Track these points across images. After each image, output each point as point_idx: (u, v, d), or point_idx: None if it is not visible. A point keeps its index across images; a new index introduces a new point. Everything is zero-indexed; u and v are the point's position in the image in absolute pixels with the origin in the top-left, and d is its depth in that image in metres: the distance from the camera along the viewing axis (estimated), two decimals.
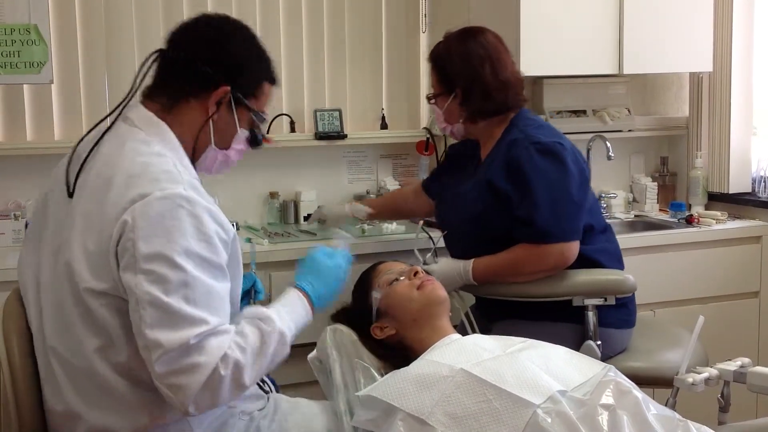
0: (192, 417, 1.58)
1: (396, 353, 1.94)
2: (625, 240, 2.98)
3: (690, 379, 1.86)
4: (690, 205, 3.44)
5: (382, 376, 1.83)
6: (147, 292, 1.42)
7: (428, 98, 2.41)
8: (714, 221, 3.20)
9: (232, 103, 1.67)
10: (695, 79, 3.47)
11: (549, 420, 1.59)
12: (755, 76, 3.36)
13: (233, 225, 1.92)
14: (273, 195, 3.12)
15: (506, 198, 2.19)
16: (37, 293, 1.63)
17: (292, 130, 3.18)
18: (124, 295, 1.48)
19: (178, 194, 1.48)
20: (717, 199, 3.42)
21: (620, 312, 2.27)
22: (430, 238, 2.40)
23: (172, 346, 1.42)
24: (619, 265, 2.35)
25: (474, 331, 2.19)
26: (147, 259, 1.43)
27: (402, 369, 1.78)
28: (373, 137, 3.26)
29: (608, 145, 3.18)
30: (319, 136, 3.13)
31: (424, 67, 3.21)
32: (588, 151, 3.35)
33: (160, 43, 1.73)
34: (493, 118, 2.29)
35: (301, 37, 3.20)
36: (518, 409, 1.61)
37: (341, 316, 2.10)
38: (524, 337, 1.90)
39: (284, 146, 3.14)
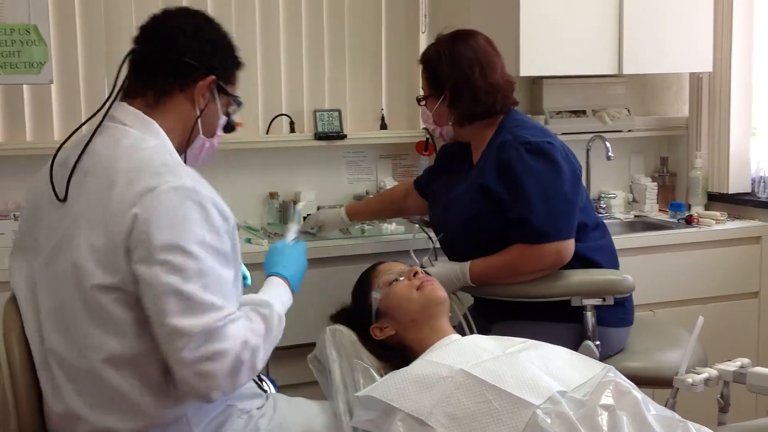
0: (192, 415, 1.60)
1: (395, 354, 1.95)
2: (624, 240, 2.99)
3: (689, 380, 1.87)
4: (689, 206, 3.44)
5: (381, 376, 1.84)
6: (166, 282, 1.45)
7: (418, 100, 2.41)
8: (713, 221, 3.20)
9: (215, 91, 1.71)
10: (695, 79, 3.47)
11: (549, 420, 1.59)
12: (755, 76, 3.36)
13: None
14: (272, 195, 3.12)
15: (499, 200, 2.19)
16: (32, 298, 1.63)
17: (292, 130, 3.18)
18: (133, 288, 1.49)
19: (183, 186, 1.51)
20: (716, 200, 3.42)
21: (618, 311, 2.27)
22: (430, 238, 2.40)
23: (197, 333, 1.44)
24: (614, 261, 2.35)
25: (472, 333, 2.19)
26: (162, 249, 1.45)
27: (401, 369, 1.78)
28: (373, 137, 3.26)
29: (608, 145, 3.18)
30: (319, 136, 3.13)
31: None
32: (588, 151, 3.35)
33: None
34: (483, 120, 2.29)
35: (301, 37, 3.20)
36: (518, 409, 1.61)
37: (341, 316, 2.10)
38: (523, 337, 1.90)
39: (284, 146, 3.14)
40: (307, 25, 3.21)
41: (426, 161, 3.30)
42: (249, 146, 3.05)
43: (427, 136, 3.23)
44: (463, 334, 2.08)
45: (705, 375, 1.89)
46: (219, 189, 1.62)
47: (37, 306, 1.62)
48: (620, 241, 2.87)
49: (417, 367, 1.78)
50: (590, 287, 2.20)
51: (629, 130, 3.43)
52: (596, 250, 2.28)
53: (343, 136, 3.16)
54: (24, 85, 2.85)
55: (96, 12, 2.93)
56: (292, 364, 2.41)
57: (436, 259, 2.37)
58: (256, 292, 1.73)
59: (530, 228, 2.15)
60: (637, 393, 1.70)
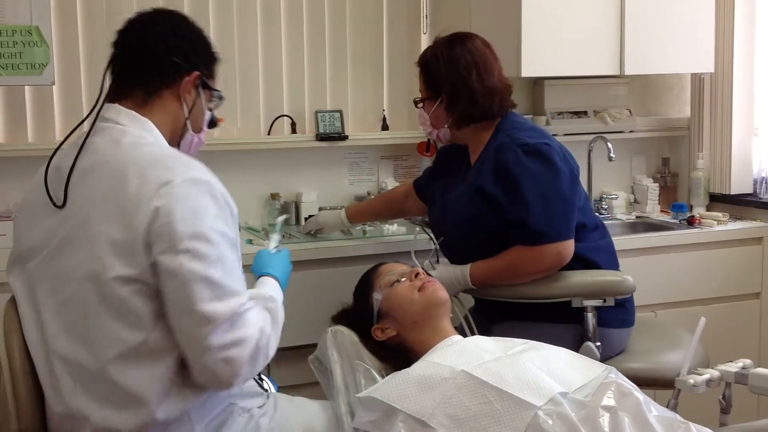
0: (194, 413, 1.61)
1: (397, 355, 1.95)
2: (626, 241, 2.99)
3: (691, 381, 1.86)
4: (691, 206, 3.43)
5: (383, 377, 1.84)
6: (192, 269, 1.49)
7: (415, 102, 2.41)
8: (715, 222, 3.20)
9: (199, 87, 1.76)
10: (697, 80, 3.47)
11: (550, 422, 1.59)
12: (757, 77, 3.35)
13: None
14: (274, 196, 3.12)
15: (497, 202, 2.18)
16: (32, 301, 1.64)
17: (293, 131, 3.18)
18: (152, 280, 1.52)
19: (197, 178, 1.56)
20: (718, 200, 3.42)
21: (618, 311, 2.27)
22: (432, 238, 2.40)
23: (224, 317, 1.50)
24: (615, 262, 2.35)
25: (473, 334, 2.19)
26: (186, 239, 1.50)
27: (403, 370, 1.78)
28: (374, 138, 3.25)
29: (609, 146, 3.18)
30: (320, 137, 3.13)
31: None
32: (589, 152, 3.35)
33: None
34: (480, 123, 2.29)
35: (302, 37, 3.20)
36: (519, 410, 1.61)
37: (342, 317, 2.10)
38: (524, 338, 1.90)
39: (285, 147, 3.14)
40: (308, 26, 3.21)
41: (428, 162, 3.29)
42: (250, 147, 3.05)
43: (429, 137, 3.23)
44: (464, 335, 2.08)
45: (707, 376, 1.89)
46: None
47: (38, 307, 1.62)
48: (622, 242, 2.87)
49: (418, 368, 1.78)
50: (591, 288, 2.20)
51: (631, 131, 3.43)
52: (596, 251, 2.28)
53: (345, 137, 3.16)
54: (26, 86, 2.85)
55: (98, 13, 2.94)
56: (294, 365, 2.41)
57: (437, 261, 2.37)
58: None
59: (529, 229, 2.15)
60: (638, 394, 1.70)
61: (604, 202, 3.42)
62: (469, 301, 2.39)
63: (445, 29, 2.39)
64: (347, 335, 1.98)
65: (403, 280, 2.01)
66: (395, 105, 3.34)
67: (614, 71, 3.16)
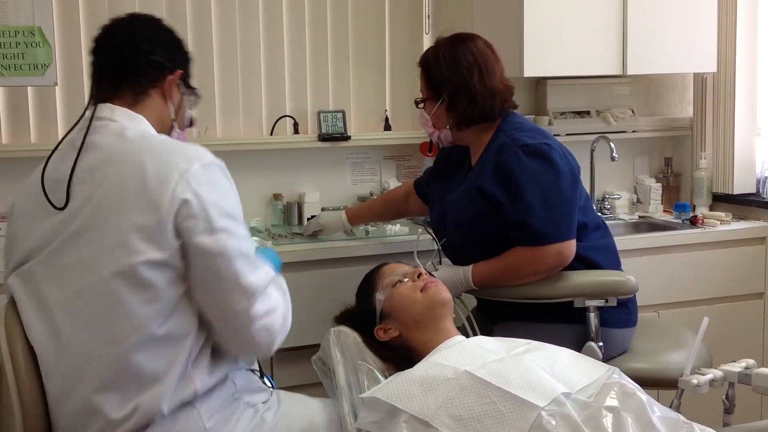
0: (201, 407, 1.63)
1: (400, 355, 1.94)
2: (629, 241, 2.99)
3: (694, 381, 1.86)
4: (694, 206, 3.43)
5: (385, 378, 1.84)
6: (233, 246, 1.58)
7: (416, 102, 2.41)
8: (718, 222, 3.19)
9: (181, 85, 1.84)
10: (699, 79, 3.46)
11: (553, 422, 1.59)
12: (759, 76, 3.35)
13: None
14: (276, 196, 3.12)
15: (497, 203, 2.18)
16: (37, 299, 1.64)
17: (296, 131, 3.18)
18: (180, 264, 1.58)
19: (214, 161, 1.65)
20: (721, 200, 3.41)
21: (621, 311, 2.27)
22: (434, 239, 2.40)
23: (263, 288, 1.62)
24: (616, 261, 2.35)
25: (476, 335, 2.18)
26: (220, 218, 1.58)
27: (406, 371, 1.78)
28: (377, 138, 3.25)
29: (612, 146, 3.18)
30: (323, 137, 3.13)
31: None
32: (592, 152, 3.35)
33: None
34: (480, 124, 2.29)
35: (305, 38, 3.21)
36: (522, 411, 1.61)
37: (345, 317, 2.10)
38: (526, 338, 1.90)
39: (288, 148, 3.14)
40: (310, 27, 3.21)
41: (430, 162, 3.29)
42: (253, 147, 3.05)
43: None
44: (466, 335, 2.07)
45: (710, 376, 1.88)
46: None
47: (45, 305, 1.63)
48: (624, 241, 2.87)
49: (421, 368, 1.77)
50: (593, 288, 2.20)
51: (633, 131, 3.43)
52: (597, 250, 2.28)
53: (347, 137, 3.16)
54: (28, 87, 2.85)
55: (100, 14, 2.94)
56: (296, 366, 2.41)
57: (440, 262, 2.37)
58: None
59: (530, 230, 2.14)
60: (641, 394, 1.69)
61: (606, 202, 3.42)
62: (472, 301, 2.39)
63: (448, 30, 2.39)
64: (350, 335, 1.98)
65: (405, 280, 2.01)
66: (398, 105, 3.34)
67: (617, 71, 3.16)
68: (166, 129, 1.81)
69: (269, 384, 1.91)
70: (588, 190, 3.02)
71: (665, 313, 3.01)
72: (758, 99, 3.36)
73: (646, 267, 2.91)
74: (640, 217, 3.42)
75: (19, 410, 1.62)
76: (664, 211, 3.47)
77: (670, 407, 1.83)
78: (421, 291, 1.97)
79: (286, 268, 2.59)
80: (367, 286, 2.09)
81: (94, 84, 1.78)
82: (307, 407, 1.86)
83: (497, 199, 2.18)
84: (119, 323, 1.57)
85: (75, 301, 1.60)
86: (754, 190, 3.40)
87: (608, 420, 1.61)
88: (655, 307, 2.99)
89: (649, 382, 2.14)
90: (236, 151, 2.99)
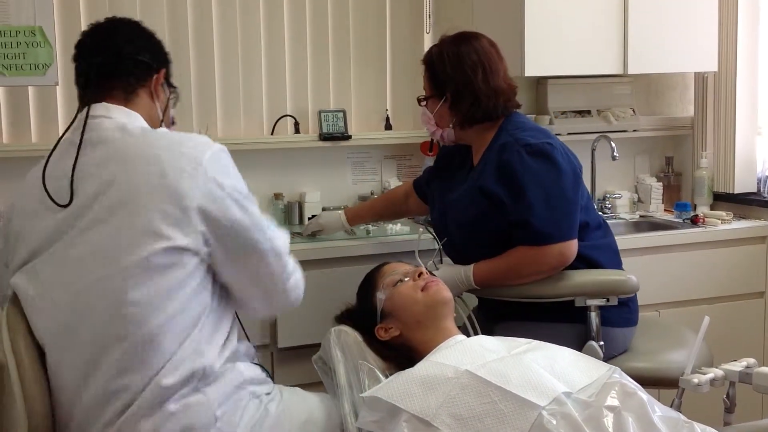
0: (213, 395, 1.66)
1: (400, 354, 1.94)
2: (629, 240, 2.99)
3: (695, 380, 1.86)
4: (695, 206, 3.43)
5: (386, 377, 1.84)
6: (259, 218, 1.75)
7: (419, 100, 2.41)
8: (719, 221, 3.19)
9: (164, 85, 1.91)
10: (700, 79, 3.46)
11: (554, 422, 1.59)
12: (760, 75, 3.35)
13: None
14: (277, 196, 3.12)
15: (500, 202, 2.18)
16: (50, 295, 1.66)
17: (297, 131, 3.18)
18: (205, 247, 1.67)
19: (220, 147, 1.75)
20: (722, 199, 3.41)
21: (622, 310, 2.27)
22: (435, 238, 2.40)
23: (288, 248, 1.83)
24: (617, 260, 2.34)
25: (477, 334, 2.18)
26: (243, 197, 1.73)
27: (407, 370, 1.78)
28: (378, 138, 3.25)
29: (613, 145, 3.18)
30: (324, 137, 3.13)
31: None
32: (593, 151, 3.35)
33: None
34: (483, 123, 2.29)
35: (306, 37, 3.20)
36: (523, 410, 1.61)
37: (345, 317, 2.10)
38: (527, 337, 1.90)
39: (288, 147, 3.14)
40: (311, 26, 3.21)
41: (431, 161, 3.29)
42: (253, 147, 3.05)
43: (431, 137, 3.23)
44: (467, 335, 2.07)
45: (711, 375, 1.88)
46: None
47: (60, 297, 1.65)
48: (625, 241, 2.87)
49: (422, 368, 1.77)
50: (594, 288, 2.20)
51: (634, 130, 3.43)
52: (598, 249, 2.28)
53: (348, 137, 3.16)
54: (29, 87, 2.85)
55: (101, 14, 2.89)
56: (297, 365, 2.41)
57: (440, 261, 2.37)
58: None
59: (532, 230, 2.14)
60: (642, 394, 1.69)
61: (607, 202, 3.42)
62: (473, 300, 2.39)
63: (451, 29, 2.38)
64: (351, 335, 1.98)
65: (406, 279, 2.01)
66: (398, 105, 3.34)
67: (617, 70, 3.16)
68: (155, 127, 1.85)
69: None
70: (589, 189, 3.01)
71: (666, 313, 3.01)
72: (759, 98, 3.36)
73: (647, 266, 2.91)
74: (641, 216, 3.42)
75: (23, 408, 1.62)
76: (665, 210, 3.47)
77: (671, 406, 1.83)
78: (422, 290, 1.97)
79: None
80: (368, 285, 2.09)
81: (82, 87, 1.83)
82: (306, 401, 1.89)
83: (499, 198, 2.18)
84: (136, 311, 1.60)
85: (88, 293, 1.63)
86: (754, 190, 3.40)
87: (609, 419, 1.61)
88: (656, 307, 2.99)
89: (649, 381, 2.14)
90: (237, 151, 2.95)
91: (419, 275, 2.02)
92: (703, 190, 3.42)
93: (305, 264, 2.61)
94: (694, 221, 3.20)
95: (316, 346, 2.06)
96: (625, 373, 1.80)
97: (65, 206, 1.67)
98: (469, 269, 2.24)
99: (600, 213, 2.94)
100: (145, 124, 1.80)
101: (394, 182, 3.25)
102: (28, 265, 1.70)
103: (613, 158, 3.18)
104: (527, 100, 3.33)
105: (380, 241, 2.77)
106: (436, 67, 2.31)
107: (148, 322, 1.61)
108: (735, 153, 3.35)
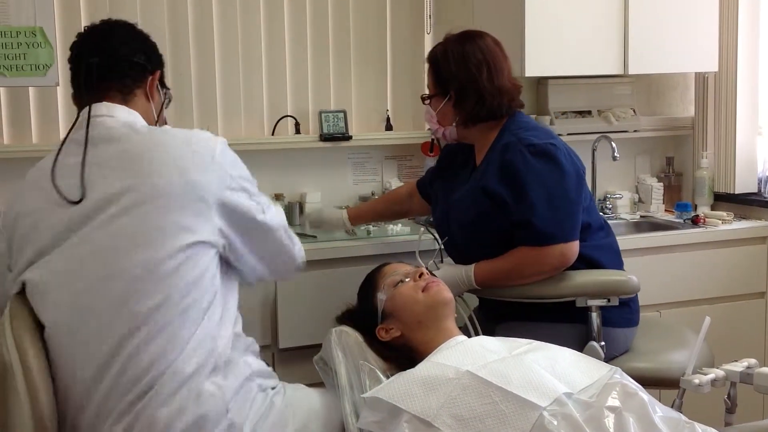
0: (224, 385, 1.69)
1: (401, 355, 1.94)
2: (630, 240, 2.99)
3: (696, 380, 1.86)
4: (696, 206, 3.43)
5: (387, 377, 1.84)
6: (267, 203, 1.88)
7: (423, 98, 2.40)
8: (720, 221, 3.19)
9: (158, 86, 1.96)
10: (701, 79, 3.46)
11: (555, 422, 1.59)
12: (761, 75, 3.35)
13: None
14: (278, 196, 3.12)
15: (502, 202, 2.18)
16: (70, 287, 1.68)
17: (297, 131, 3.19)
18: (219, 242, 1.75)
19: (223, 140, 1.83)
20: (723, 200, 3.41)
21: (623, 311, 2.27)
22: (436, 239, 2.40)
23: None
24: (618, 261, 2.34)
25: (478, 335, 2.18)
26: (251, 185, 1.84)
27: (408, 371, 1.78)
28: (378, 138, 3.26)
29: (613, 145, 3.18)
30: (324, 137, 3.13)
31: None
32: (593, 151, 3.35)
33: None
34: (487, 122, 2.29)
35: (306, 38, 3.21)
36: (524, 411, 1.61)
37: (346, 317, 2.10)
38: (528, 338, 1.90)
39: (289, 148, 3.14)
40: (311, 27, 3.21)
41: (432, 162, 3.30)
42: (254, 147, 3.05)
43: (433, 137, 3.23)
44: (468, 335, 2.07)
45: (712, 376, 1.88)
46: None
47: (80, 287, 1.67)
48: (626, 241, 2.87)
49: (423, 368, 1.77)
50: (595, 288, 2.20)
51: (635, 131, 3.43)
52: (600, 250, 2.28)
53: (349, 137, 3.16)
54: (30, 88, 2.85)
55: (101, 14, 2.92)
56: (298, 365, 2.41)
57: (441, 261, 2.37)
58: None
59: (534, 230, 2.14)
60: (643, 394, 1.69)
61: (608, 202, 3.42)
62: (474, 301, 2.39)
63: (453, 29, 2.38)
64: (352, 335, 1.98)
65: (407, 280, 2.01)
66: (399, 105, 3.34)
67: (618, 71, 3.16)
68: (153, 124, 1.91)
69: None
70: (589, 189, 3.02)
71: (667, 313, 3.01)
72: (760, 98, 3.36)
73: (647, 267, 2.91)
74: (641, 216, 3.42)
75: (29, 407, 1.62)
76: (665, 210, 3.47)
77: (672, 407, 1.83)
78: (423, 291, 1.97)
79: None
80: (369, 285, 2.09)
81: (79, 88, 1.85)
82: (307, 396, 1.92)
83: (502, 198, 2.18)
84: (154, 303, 1.64)
85: (105, 285, 1.65)
86: (755, 190, 3.40)
87: (610, 420, 1.61)
88: (657, 307, 2.98)
89: (650, 381, 2.14)
90: (238, 151, 2.95)
91: (420, 276, 2.02)
92: (703, 190, 3.42)
93: (306, 264, 2.63)
94: (695, 221, 3.20)
95: (317, 347, 2.06)
96: (626, 373, 1.80)
97: (77, 203, 1.69)
98: (470, 269, 2.24)
99: (601, 213, 2.94)
100: (145, 123, 1.84)
101: (394, 183, 3.25)
102: (40, 260, 1.71)
103: (614, 158, 3.18)
104: (528, 101, 3.32)
105: (381, 241, 2.77)
106: (440, 66, 2.31)
107: (167, 313, 1.64)
108: (736, 153, 3.34)
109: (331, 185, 3.21)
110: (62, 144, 1.79)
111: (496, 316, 2.33)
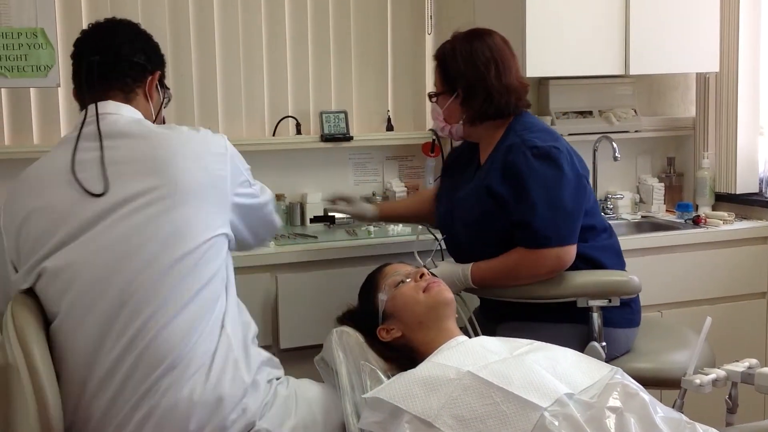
0: (243, 369, 1.75)
1: (402, 355, 1.94)
2: (631, 241, 2.98)
3: (697, 381, 1.86)
4: (697, 206, 3.43)
5: (388, 378, 1.84)
6: (263, 189, 2.04)
7: (430, 96, 2.40)
8: (721, 222, 3.19)
9: (158, 86, 2.00)
10: (702, 79, 3.46)
11: (556, 423, 1.59)
12: (762, 76, 3.34)
13: None
14: (279, 197, 3.12)
15: (504, 202, 2.18)
16: (93, 276, 1.70)
17: (298, 132, 3.19)
18: (230, 234, 1.85)
19: (224, 136, 1.90)
20: (724, 200, 3.41)
21: (624, 311, 2.27)
22: (436, 239, 2.40)
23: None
24: (620, 261, 2.34)
25: (478, 335, 2.18)
26: (251, 177, 1.97)
27: (409, 371, 1.78)
28: (379, 139, 3.26)
29: (614, 145, 3.18)
30: (325, 138, 3.13)
31: (430, 69, 3.22)
32: (594, 152, 3.34)
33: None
34: (494, 121, 2.29)
35: (307, 38, 3.21)
36: (525, 411, 1.61)
37: (347, 318, 2.10)
38: (529, 338, 1.90)
39: (290, 148, 3.14)
40: (312, 27, 3.21)
41: (433, 162, 3.30)
42: (255, 148, 3.05)
43: (434, 137, 3.23)
44: (469, 336, 2.07)
45: (713, 376, 1.88)
46: None
47: (93, 290, 1.69)
48: (627, 241, 2.87)
49: (424, 368, 1.77)
50: (596, 288, 2.20)
51: (636, 131, 3.43)
52: (601, 250, 2.28)
53: (350, 138, 3.16)
54: (31, 89, 2.85)
55: (102, 15, 2.90)
56: (299, 366, 2.40)
57: (442, 259, 2.37)
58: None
59: (532, 232, 2.14)
60: (644, 395, 1.69)
61: (609, 202, 3.42)
62: (475, 301, 2.39)
63: (465, 24, 2.38)
64: (352, 336, 1.99)
65: (408, 280, 2.01)
66: (400, 105, 3.34)
67: (619, 71, 3.16)
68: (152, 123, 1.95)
69: None
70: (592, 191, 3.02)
71: (668, 313, 3.01)
72: (761, 98, 3.36)
73: (649, 267, 2.90)
74: (642, 217, 3.42)
75: (34, 406, 1.62)
76: (666, 210, 3.47)
77: (673, 407, 1.83)
78: (424, 291, 1.97)
79: (288, 268, 2.62)
80: (370, 286, 2.09)
81: (82, 85, 1.87)
82: (309, 389, 1.95)
83: (504, 198, 2.18)
84: (179, 295, 1.70)
85: (151, 266, 1.69)
86: (756, 190, 3.39)
87: (611, 420, 1.61)
88: (658, 307, 2.98)
89: (652, 382, 2.14)
90: (239, 152, 2.99)
91: (421, 276, 2.02)
92: (704, 190, 3.42)
93: (307, 265, 2.64)
94: (696, 222, 3.20)
95: (317, 347, 2.06)
96: (627, 373, 1.80)
97: (99, 195, 1.72)
98: (467, 268, 2.24)
99: (602, 214, 2.94)
100: (149, 121, 1.90)
101: (395, 183, 3.26)
102: (63, 249, 1.72)
103: (615, 159, 3.18)
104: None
105: (381, 241, 2.77)
106: (448, 63, 2.31)
107: (187, 300, 1.71)
108: (737, 153, 3.34)
109: (332, 186, 3.21)
110: (77, 141, 1.80)
111: (496, 316, 2.33)
